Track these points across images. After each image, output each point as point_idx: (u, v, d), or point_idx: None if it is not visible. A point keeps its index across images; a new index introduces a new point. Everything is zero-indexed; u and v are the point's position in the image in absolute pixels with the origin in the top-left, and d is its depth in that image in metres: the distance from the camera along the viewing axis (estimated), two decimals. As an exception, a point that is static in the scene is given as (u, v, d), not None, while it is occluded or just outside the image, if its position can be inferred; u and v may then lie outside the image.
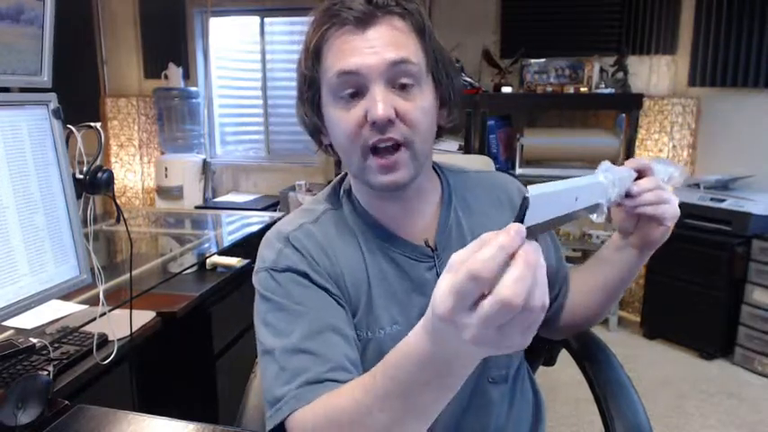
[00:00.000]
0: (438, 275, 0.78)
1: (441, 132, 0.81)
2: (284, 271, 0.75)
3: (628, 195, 0.72)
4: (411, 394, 0.52)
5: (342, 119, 0.71)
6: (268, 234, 0.81)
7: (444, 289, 0.42)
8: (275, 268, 0.76)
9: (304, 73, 0.75)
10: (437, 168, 0.88)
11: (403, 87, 0.71)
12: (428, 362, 0.49)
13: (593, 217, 0.58)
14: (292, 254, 0.76)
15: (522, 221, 0.41)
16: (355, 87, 0.70)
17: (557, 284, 0.92)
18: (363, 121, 0.70)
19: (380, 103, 0.68)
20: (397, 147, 0.71)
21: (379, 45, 0.69)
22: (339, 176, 0.88)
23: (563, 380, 2.35)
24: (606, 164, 0.65)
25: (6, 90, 0.99)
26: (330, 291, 0.75)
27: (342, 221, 0.81)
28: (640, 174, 0.73)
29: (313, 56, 0.73)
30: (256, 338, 0.76)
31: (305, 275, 0.75)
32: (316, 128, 0.79)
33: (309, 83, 0.75)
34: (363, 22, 0.70)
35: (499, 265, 0.40)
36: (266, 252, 0.79)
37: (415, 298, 0.79)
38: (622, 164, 0.73)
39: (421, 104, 0.72)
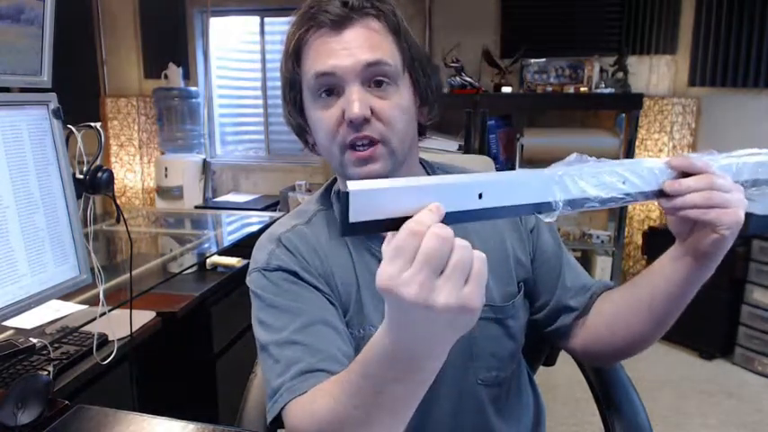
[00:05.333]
0: None
1: (423, 130, 0.83)
2: (275, 270, 0.77)
3: (663, 194, 0.60)
4: (382, 391, 0.53)
5: (321, 118, 0.74)
6: (262, 236, 0.84)
7: (383, 262, 0.44)
8: (267, 268, 0.78)
9: (285, 75, 0.78)
10: (426, 166, 0.88)
11: (379, 86, 0.73)
12: (392, 358, 0.50)
13: (542, 216, 0.51)
14: (283, 254, 0.79)
15: (347, 218, 0.41)
16: (332, 87, 0.72)
17: (550, 278, 0.87)
18: (341, 119, 0.72)
19: (356, 102, 0.70)
20: (373, 143, 0.73)
21: (355, 46, 0.71)
22: (333, 177, 0.89)
23: (563, 380, 2.35)
24: (573, 156, 0.54)
25: (6, 90, 0.99)
26: (321, 289, 0.77)
27: (333, 222, 0.83)
28: (686, 174, 0.61)
29: (293, 58, 0.76)
30: (255, 338, 0.77)
31: (295, 274, 0.77)
32: (300, 128, 0.81)
33: (291, 84, 0.77)
34: (339, 24, 0.72)
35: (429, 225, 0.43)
36: (259, 254, 0.81)
37: None
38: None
39: (397, 102, 0.74)
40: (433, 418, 0.82)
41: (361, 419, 0.56)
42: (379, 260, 0.78)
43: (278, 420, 0.69)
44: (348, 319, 0.79)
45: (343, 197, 0.41)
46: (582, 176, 0.52)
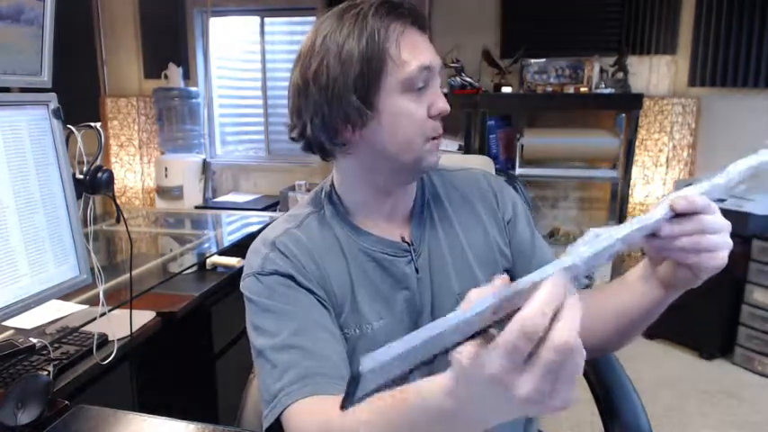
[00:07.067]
0: (416, 269, 0.82)
1: None
2: (270, 274, 0.77)
3: (654, 234, 0.57)
4: None
5: (413, 110, 0.76)
6: (255, 241, 0.83)
7: (493, 349, 0.40)
8: (261, 272, 0.77)
9: (363, 53, 0.72)
10: None
11: None
12: (450, 418, 0.47)
13: None
14: (278, 258, 0.78)
15: (352, 398, 0.38)
16: (426, 82, 0.76)
17: (522, 269, 0.88)
18: (428, 112, 0.77)
19: (443, 98, 0.78)
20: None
21: (432, 48, 0.78)
22: (323, 182, 0.89)
23: (563, 380, 2.34)
24: (591, 233, 0.49)
25: (6, 90, 0.99)
26: (315, 293, 0.77)
27: (324, 223, 0.83)
28: (682, 214, 0.58)
29: (378, 39, 0.72)
30: (251, 344, 0.77)
31: (291, 278, 0.77)
32: (358, 113, 0.74)
33: (369, 65, 0.72)
34: (420, 24, 0.77)
35: (549, 320, 0.39)
36: (253, 258, 0.80)
37: (397, 292, 0.81)
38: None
39: None
40: None
41: None
42: (373, 258, 0.80)
43: (274, 426, 0.69)
44: (343, 319, 0.79)
45: (352, 381, 0.38)
46: (591, 258, 0.48)
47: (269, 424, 0.69)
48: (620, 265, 3.19)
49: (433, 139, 0.78)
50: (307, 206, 0.87)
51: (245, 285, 0.79)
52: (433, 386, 0.48)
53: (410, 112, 0.75)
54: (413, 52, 0.74)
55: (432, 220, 0.86)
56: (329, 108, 0.74)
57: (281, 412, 0.67)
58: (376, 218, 0.84)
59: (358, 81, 0.72)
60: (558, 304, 0.39)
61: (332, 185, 0.87)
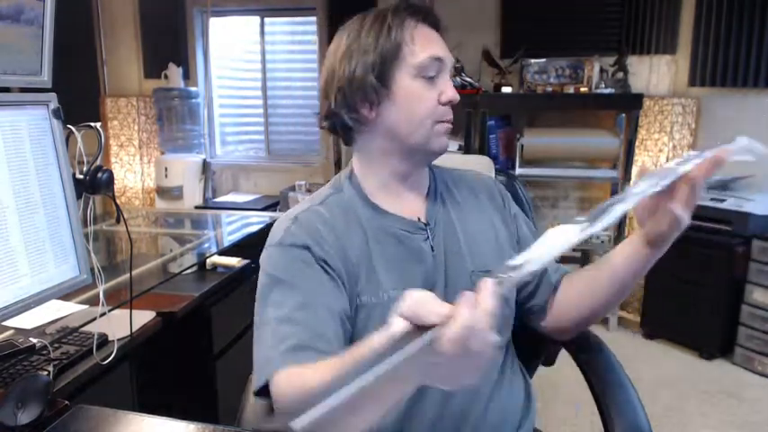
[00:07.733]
0: (432, 247, 0.88)
1: None
2: (289, 246, 0.83)
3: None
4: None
5: (425, 95, 0.85)
6: (278, 219, 0.90)
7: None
8: (282, 244, 0.84)
9: (383, 42, 0.84)
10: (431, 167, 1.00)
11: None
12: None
13: None
14: (298, 230, 0.84)
15: None
16: (437, 72, 0.85)
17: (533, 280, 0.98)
18: (438, 99, 0.85)
19: (453, 88, 0.87)
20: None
21: (445, 46, 0.88)
22: (342, 170, 0.96)
23: (563, 380, 2.34)
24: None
25: (6, 90, 0.99)
26: (329, 265, 0.82)
27: (346, 203, 0.90)
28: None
29: (396, 31, 0.84)
30: (255, 314, 0.81)
31: (307, 249, 0.82)
32: (375, 91, 0.84)
33: (387, 51, 0.83)
34: (434, 23, 0.88)
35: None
36: (275, 232, 0.87)
37: (414, 266, 0.88)
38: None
39: None
40: (426, 398, 0.86)
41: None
42: (392, 234, 0.86)
43: (263, 392, 0.74)
44: (360, 287, 0.83)
45: None
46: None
47: (258, 387, 0.75)
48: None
49: (443, 122, 0.86)
50: (328, 188, 0.94)
51: (263, 257, 0.86)
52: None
53: (422, 95, 0.84)
54: (425, 44, 0.84)
55: (444, 205, 0.94)
56: (350, 86, 0.84)
57: (270, 379, 0.72)
58: (394, 200, 0.91)
59: (376, 64, 0.83)
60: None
61: (351, 171, 0.94)
